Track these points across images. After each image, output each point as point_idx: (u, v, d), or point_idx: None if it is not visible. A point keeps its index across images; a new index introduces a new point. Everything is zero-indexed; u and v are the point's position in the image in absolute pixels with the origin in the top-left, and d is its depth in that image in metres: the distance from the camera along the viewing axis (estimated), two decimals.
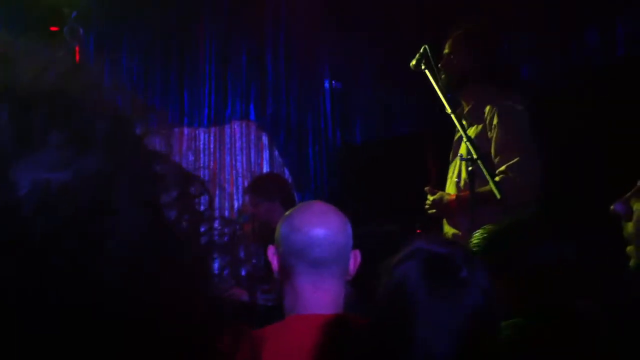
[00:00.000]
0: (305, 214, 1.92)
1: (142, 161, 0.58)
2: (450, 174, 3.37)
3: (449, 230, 3.27)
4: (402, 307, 1.35)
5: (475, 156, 2.64)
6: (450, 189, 3.31)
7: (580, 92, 3.81)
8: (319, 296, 1.88)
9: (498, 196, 2.50)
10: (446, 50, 3.29)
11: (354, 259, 1.93)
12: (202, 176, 0.64)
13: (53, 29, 4.02)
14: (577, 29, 4.02)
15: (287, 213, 1.95)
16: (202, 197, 0.63)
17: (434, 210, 3.27)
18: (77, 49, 3.12)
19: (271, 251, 1.93)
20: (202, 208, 0.63)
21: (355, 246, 2.04)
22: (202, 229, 0.63)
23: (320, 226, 1.87)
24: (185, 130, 5.33)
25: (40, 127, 0.52)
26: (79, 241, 0.50)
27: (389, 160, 4.71)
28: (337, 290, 1.90)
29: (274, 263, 1.92)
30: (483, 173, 2.66)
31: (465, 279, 1.35)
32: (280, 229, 1.91)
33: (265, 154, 5.38)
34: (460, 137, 3.30)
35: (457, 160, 3.25)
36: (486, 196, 2.77)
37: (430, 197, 3.29)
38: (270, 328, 1.90)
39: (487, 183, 2.70)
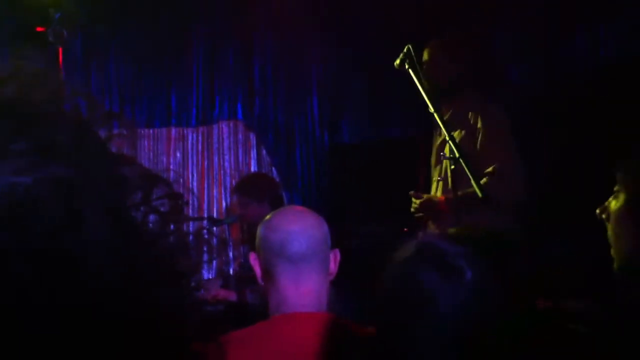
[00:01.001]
0: (281, 215, 2.02)
1: (106, 165, 0.59)
2: (435, 177, 3.39)
3: (434, 228, 3.29)
4: (405, 306, 1.37)
5: (457, 155, 2.66)
6: (438, 191, 3.33)
7: (569, 93, 3.83)
8: (302, 293, 1.91)
9: (480, 195, 2.52)
10: (425, 58, 3.32)
11: (334, 258, 1.98)
12: (170, 177, 0.65)
13: (39, 29, 4.00)
14: (565, 31, 4.04)
15: (265, 218, 2.02)
16: (172, 198, 0.63)
17: (421, 214, 3.28)
18: (60, 50, 3.11)
19: (253, 257, 1.98)
20: (170, 208, 0.64)
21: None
22: (170, 229, 0.64)
23: (296, 223, 1.95)
24: (173, 130, 5.33)
25: (3, 136, 0.53)
26: (47, 245, 0.51)
27: (378, 162, 4.72)
28: (319, 287, 1.94)
29: (257, 269, 1.96)
30: (466, 173, 2.69)
31: (467, 277, 1.37)
32: (260, 234, 1.97)
33: (253, 154, 5.38)
34: (442, 142, 3.33)
35: (444, 162, 3.27)
36: (475, 196, 2.79)
37: (417, 201, 3.30)
38: (254, 328, 1.92)
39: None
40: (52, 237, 0.51)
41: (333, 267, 1.98)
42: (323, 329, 1.85)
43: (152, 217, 0.62)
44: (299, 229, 1.93)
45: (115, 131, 0.63)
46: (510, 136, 3.21)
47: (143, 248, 0.59)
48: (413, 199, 3.33)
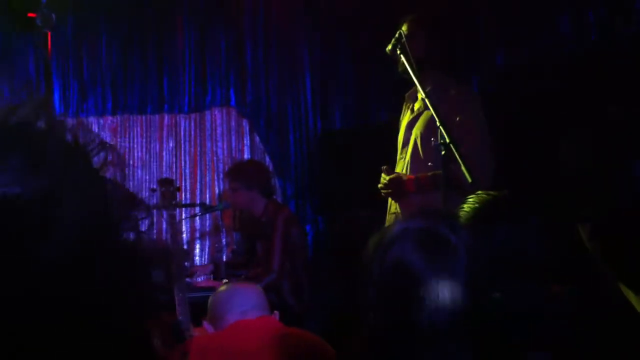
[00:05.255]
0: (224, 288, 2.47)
1: (87, 179, 0.64)
2: (400, 156, 3.36)
3: (397, 209, 3.28)
4: (404, 285, 1.36)
5: (448, 141, 2.64)
6: (407, 170, 3.29)
7: (554, 78, 3.82)
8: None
9: (469, 180, 2.50)
10: (403, 30, 3.27)
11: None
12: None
13: (30, 15, 3.98)
14: (550, 15, 4.02)
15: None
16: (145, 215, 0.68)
17: (389, 191, 3.26)
18: (49, 35, 3.10)
19: (207, 327, 2.35)
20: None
21: (335, 232, 2.23)
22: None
23: (239, 286, 2.52)
24: (166, 116, 5.32)
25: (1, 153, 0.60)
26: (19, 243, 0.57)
27: (369, 147, 4.71)
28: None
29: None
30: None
31: (455, 246, 1.37)
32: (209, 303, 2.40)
33: (246, 140, 5.37)
34: (412, 120, 3.32)
35: (412, 141, 3.26)
36: (439, 180, 2.79)
37: (386, 177, 3.27)
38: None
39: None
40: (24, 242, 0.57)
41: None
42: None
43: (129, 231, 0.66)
44: (244, 288, 2.45)
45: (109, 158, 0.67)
46: (482, 119, 3.18)
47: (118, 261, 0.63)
48: (383, 174, 3.29)
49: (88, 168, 0.65)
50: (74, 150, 0.65)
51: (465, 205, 1.95)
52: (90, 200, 0.62)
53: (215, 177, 5.29)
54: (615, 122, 1.58)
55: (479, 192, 1.98)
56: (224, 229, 5.14)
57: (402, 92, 3.59)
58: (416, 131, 3.29)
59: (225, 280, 3.99)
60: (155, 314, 0.68)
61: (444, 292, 1.35)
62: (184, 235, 5.11)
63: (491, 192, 1.99)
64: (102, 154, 0.66)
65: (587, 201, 1.41)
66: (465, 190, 2.57)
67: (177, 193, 3.98)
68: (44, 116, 0.65)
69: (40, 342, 0.56)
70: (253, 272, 4.56)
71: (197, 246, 5.20)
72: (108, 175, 0.66)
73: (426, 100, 2.81)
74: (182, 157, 5.31)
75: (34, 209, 0.58)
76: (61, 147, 0.64)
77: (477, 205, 1.94)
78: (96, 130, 5.25)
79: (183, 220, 4.99)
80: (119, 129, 5.28)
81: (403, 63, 2.99)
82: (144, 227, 0.67)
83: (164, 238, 4.76)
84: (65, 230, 0.58)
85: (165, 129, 5.32)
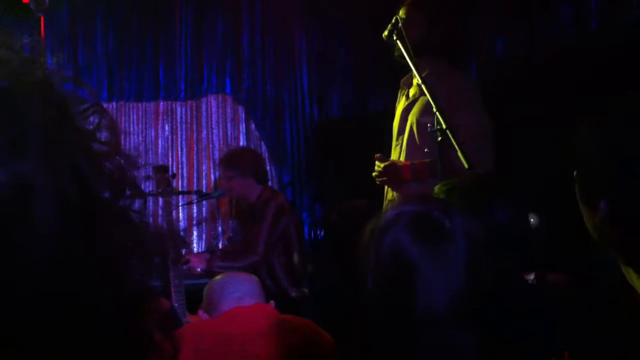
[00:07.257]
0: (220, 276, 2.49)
1: (78, 163, 0.57)
2: (395, 143, 3.35)
3: (394, 196, 3.26)
4: (401, 271, 1.36)
5: (444, 126, 2.62)
6: (402, 156, 3.28)
7: (554, 65, 3.80)
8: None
9: (466, 165, 2.48)
10: (401, 15, 3.25)
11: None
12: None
13: (25, 1, 3.95)
14: (550, 2, 4.00)
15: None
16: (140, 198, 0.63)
17: (384, 178, 3.25)
18: (42, 19, 3.07)
19: (202, 315, 2.38)
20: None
21: (331, 221, 2.25)
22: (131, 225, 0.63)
23: (234, 274, 2.55)
24: (162, 103, 5.30)
25: None
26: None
27: (366, 135, 4.69)
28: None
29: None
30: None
31: (451, 230, 1.36)
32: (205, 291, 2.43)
33: (242, 128, 5.36)
34: (409, 105, 3.31)
35: (409, 126, 3.24)
36: (436, 166, 2.77)
37: (381, 164, 3.26)
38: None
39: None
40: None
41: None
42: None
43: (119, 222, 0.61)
44: (239, 276, 2.50)
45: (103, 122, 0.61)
46: (480, 105, 3.17)
47: (100, 244, 0.58)
48: (377, 162, 3.28)
49: (79, 144, 0.57)
50: (63, 122, 0.56)
51: (436, 188, 1.94)
52: (71, 183, 0.55)
53: (211, 165, 5.27)
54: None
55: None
56: (219, 217, 5.14)
57: (399, 80, 3.57)
58: (412, 117, 3.27)
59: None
60: (149, 296, 0.64)
61: (441, 276, 1.35)
62: (180, 223, 5.10)
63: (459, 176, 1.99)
64: (95, 118, 0.59)
65: (604, 185, 1.39)
66: None
67: (173, 180, 3.97)
68: (31, 76, 0.56)
69: (30, 336, 0.53)
70: (233, 247, 4.53)
71: (194, 234, 5.19)
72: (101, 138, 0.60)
73: (422, 86, 2.79)
74: (178, 144, 5.29)
75: (12, 199, 0.51)
76: (49, 122, 0.54)
77: (450, 189, 1.93)
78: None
79: (179, 208, 4.98)
80: (114, 115, 5.25)
81: (399, 48, 2.97)
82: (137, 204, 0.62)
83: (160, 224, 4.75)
84: (44, 222, 0.52)
85: (161, 115, 5.30)
